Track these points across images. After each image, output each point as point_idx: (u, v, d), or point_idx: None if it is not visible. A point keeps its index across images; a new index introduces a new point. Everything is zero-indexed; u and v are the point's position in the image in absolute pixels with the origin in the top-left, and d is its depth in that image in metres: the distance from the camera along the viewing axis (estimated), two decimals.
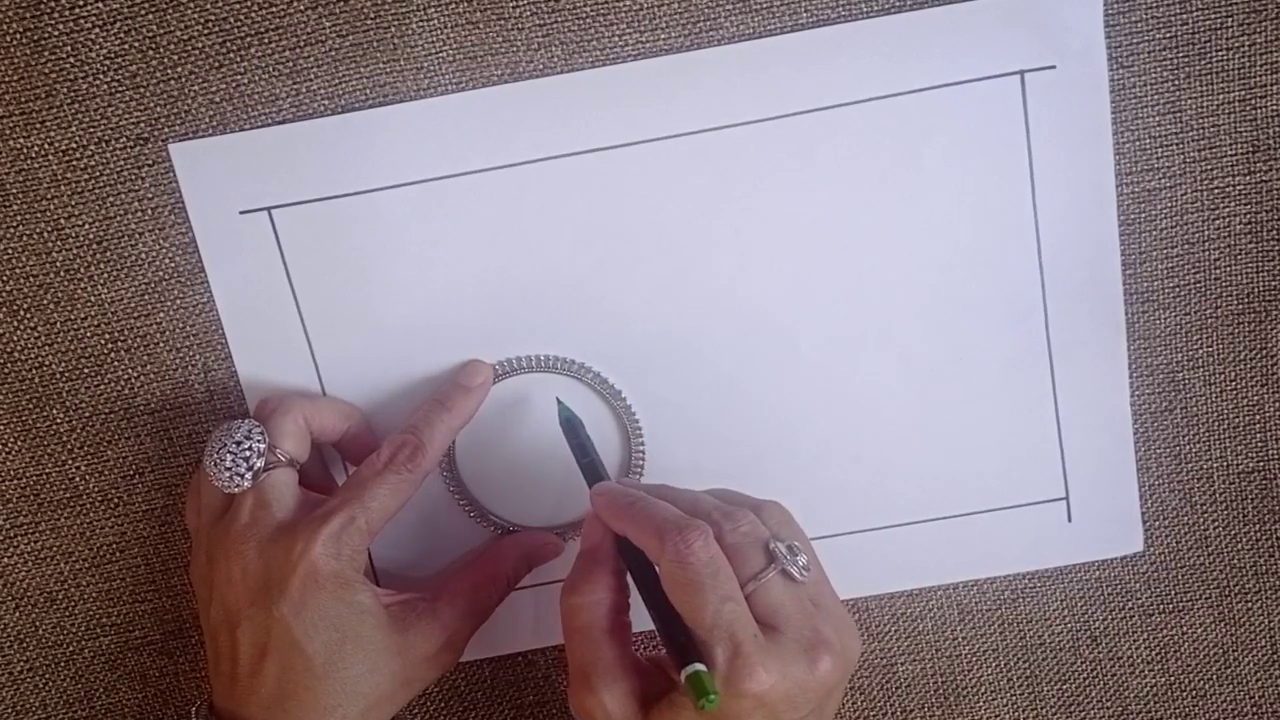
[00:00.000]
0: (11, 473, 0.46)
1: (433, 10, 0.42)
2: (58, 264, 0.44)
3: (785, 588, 0.36)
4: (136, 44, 0.42)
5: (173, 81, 0.43)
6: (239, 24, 0.42)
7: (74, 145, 0.43)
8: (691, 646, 0.36)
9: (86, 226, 0.44)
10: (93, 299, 0.45)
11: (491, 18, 0.42)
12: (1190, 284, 0.45)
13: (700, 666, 0.35)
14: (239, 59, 0.42)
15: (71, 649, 0.48)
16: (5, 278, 0.44)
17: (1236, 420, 0.47)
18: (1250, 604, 0.49)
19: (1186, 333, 0.46)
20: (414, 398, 0.45)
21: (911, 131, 0.43)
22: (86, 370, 0.45)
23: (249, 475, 0.41)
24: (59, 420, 0.46)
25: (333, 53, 0.42)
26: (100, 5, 0.42)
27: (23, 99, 0.43)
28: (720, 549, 0.36)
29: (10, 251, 0.44)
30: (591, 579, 0.39)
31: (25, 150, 0.43)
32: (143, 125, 0.43)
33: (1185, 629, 0.49)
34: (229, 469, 0.41)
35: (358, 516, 0.40)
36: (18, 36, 0.42)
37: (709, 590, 0.35)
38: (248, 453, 0.41)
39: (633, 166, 0.43)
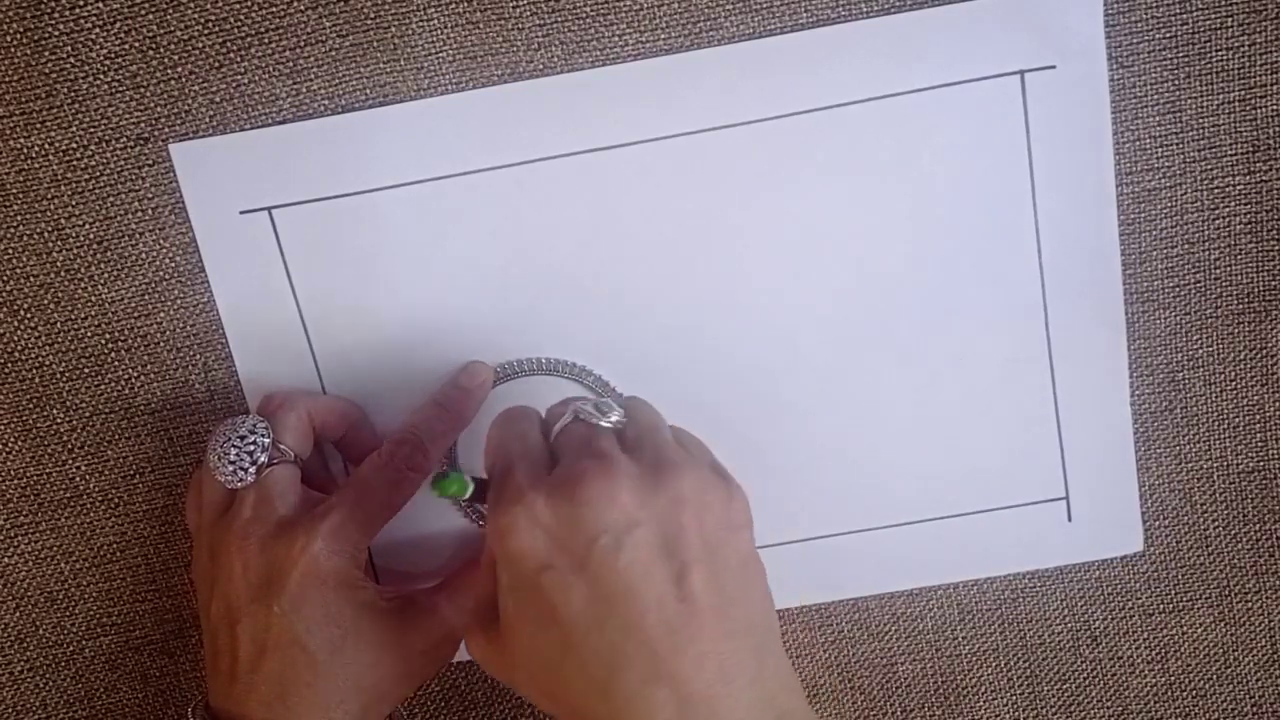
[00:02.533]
0: (11, 473, 0.46)
1: (433, 10, 0.42)
2: (58, 264, 0.44)
3: (579, 427, 0.37)
4: (136, 44, 0.42)
5: (173, 81, 0.43)
6: (239, 24, 0.42)
7: (74, 145, 0.43)
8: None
9: (87, 226, 0.44)
10: (93, 299, 0.45)
11: (491, 18, 0.42)
12: (1190, 284, 0.45)
13: (456, 472, 0.37)
14: (239, 59, 0.42)
15: (72, 649, 0.48)
16: (5, 278, 0.44)
17: (1236, 420, 0.47)
18: (1250, 604, 0.49)
19: (1186, 333, 0.46)
20: (414, 398, 0.45)
21: (911, 131, 0.43)
22: (87, 370, 0.45)
23: (252, 470, 0.41)
24: (59, 420, 0.46)
25: (333, 53, 0.42)
26: (100, 5, 0.42)
27: (23, 99, 0.43)
28: (526, 407, 0.39)
29: (10, 251, 0.44)
30: None
31: (25, 150, 0.43)
32: (143, 125, 0.43)
33: (1185, 629, 0.49)
34: (233, 463, 0.41)
35: (359, 514, 0.41)
36: (18, 36, 0.42)
37: (504, 426, 0.38)
38: (252, 447, 0.41)
39: (633, 166, 0.43)
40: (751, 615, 0.34)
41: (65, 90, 0.43)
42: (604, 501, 0.33)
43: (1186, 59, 0.43)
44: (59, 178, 0.43)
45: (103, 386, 0.46)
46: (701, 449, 0.38)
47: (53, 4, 0.42)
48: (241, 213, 0.44)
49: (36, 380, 0.45)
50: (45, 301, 0.45)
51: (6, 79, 0.43)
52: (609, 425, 0.37)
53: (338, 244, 0.44)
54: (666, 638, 0.32)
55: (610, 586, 0.33)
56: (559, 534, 0.33)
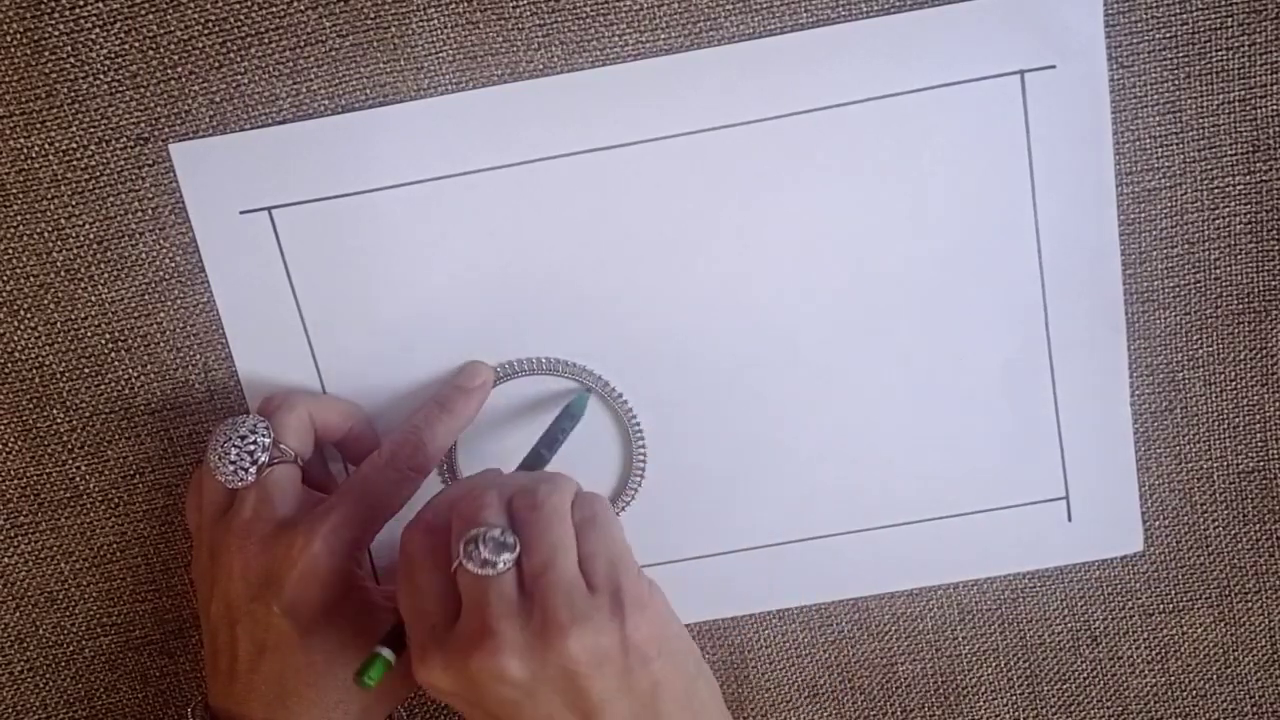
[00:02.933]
0: (11, 473, 0.46)
1: (433, 10, 0.42)
2: (58, 264, 0.44)
3: (469, 579, 0.35)
4: (136, 44, 0.42)
5: (173, 81, 0.43)
6: (239, 24, 0.42)
7: (74, 145, 0.43)
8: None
9: (86, 226, 0.44)
10: (93, 299, 0.45)
11: (491, 18, 0.42)
12: (1190, 284, 0.45)
13: (381, 651, 0.38)
14: (239, 59, 0.42)
15: (72, 649, 0.48)
16: (5, 278, 0.44)
17: (1236, 420, 0.47)
18: (1250, 604, 0.49)
19: (1186, 333, 0.46)
20: (414, 398, 0.45)
21: (911, 131, 0.43)
22: (86, 370, 0.45)
23: (253, 470, 0.41)
24: (59, 420, 0.46)
25: (333, 53, 0.42)
26: (100, 5, 0.42)
27: (23, 99, 0.43)
28: (433, 543, 0.37)
29: (10, 251, 0.44)
30: None
31: (25, 150, 0.43)
32: (143, 125, 0.43)
33: (1185, 629, 0.49)
34: (233, 463, 0.41)
35: (359, 514, 0.41)
36: (18, 36, 0.42)
37: (404, 584, 0.37)
38: (252, 447, 0.41)
39: (633, 166, 0.43)
40: None
41: (65, 90, 0.43)
42: (493, 677, 0.34)
43: (1186, 59, 0.43)
44: (59, 178, 0.43)
45: (103, 386, 0.46)
46: (604, 536, 0.37)
47: (53, 4, 0.42)
48: (241, 213, 0.44)
49: (36, 380, 0.45)
50: (45, 301, 0.45)
51: (6, 79, 0.43)
52: (500, 569, 0.35)
53: (338, 244, 0.44)
54: None
55: None
56: (464, 693, 0.35)
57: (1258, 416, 0.47)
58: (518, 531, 0.36)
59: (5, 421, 0.46)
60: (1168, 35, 0.43)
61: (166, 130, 0.43)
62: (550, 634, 0.34)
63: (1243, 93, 0.43)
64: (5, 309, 0.45)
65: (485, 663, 0.34)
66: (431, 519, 0.38)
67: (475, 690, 0.35)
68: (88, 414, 0.46)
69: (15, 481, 0.46)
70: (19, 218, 0.44)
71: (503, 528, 0.36)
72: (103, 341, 0.45)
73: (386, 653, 0.38)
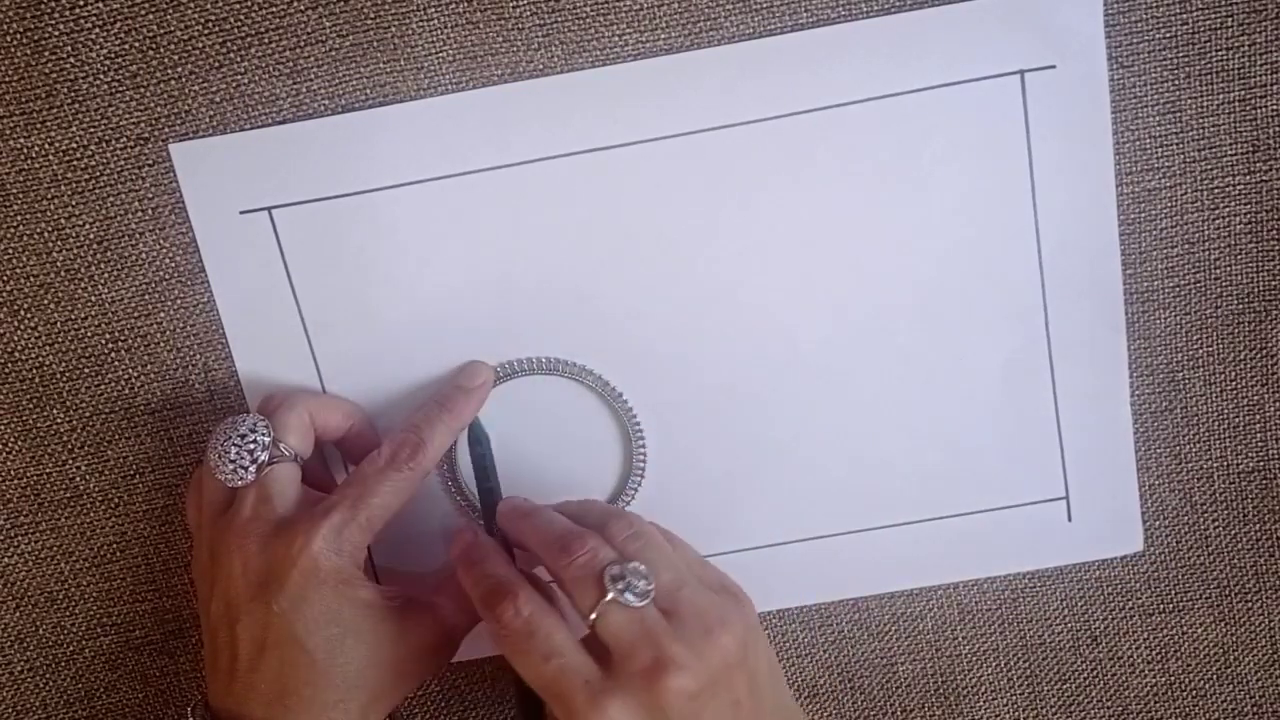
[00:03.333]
0: (11, 473, 0.46)
1: (433, 10, 0.42)
2: (58, 264, 0.44)
3: (622, 615, 0.36)
4: (136, 44, 0.42)
5: (173, 81, 0.43)
6: (239, 24, 0.42)
7: (74, 145, 0.43)
8: (533, 703, 0.40)
9: (86, 226, 0.44)
10: (93, 299, 0.45)
11: (491, 18, 0.42)
12: (1190, 284, 0.45)
13: None
14: (239, 59, 0.42)
15: (71, 649, 0.48)
16: (5, 278, 0.44)
17: (1236, 420, 0.47)
18: (1250, 604, 0.49)
19: (1186, 333, 0.46)
20: (414, 398, 0.45)
21: (911, 131, 0.43)
22: (86, 370, 0.45)
23: (252, 469, 0.41)
24: (59, 420, 0.46)
25: (333, 53, 0.42)
26: (100, 5, 0.42)
27: (23, 99, 0.43)
28: (540, 601, 0.38)
29: (10, 251, 0.44)
30: None
31: (25, 150, 0.43)
32: (143, 125, 0.43)
33: (1185, 629, 0.49)
34: (233, 462, 0.41)
35: (359, 513, 0.41)
36: (18, 36, 0.42)
37: (527, 654, 0.37)
38: (252, 446, 0.41)
39: (633, 166, 0.43)
40: (778, 694, 0.40)
41: (65, 90, 0.43)
42: (684, 698, 0.35)
43: (1186, 59, 0.43)
44: (59, 178, 0.43)
45: (103, 386, 0.46)
46: (686, 545, 0.42)
47: (53, 4, 0.42)
48: (241, 213, 0.44)
49: (36, 380, 0.45)
50: (45, 301, 0.45)
51: (6, 79, 0.43)
52: (647, 600, 0.37)
53: (338, 244, 0.44)
54: None
55: None
56: None
57: (1258, 416, 0.47)
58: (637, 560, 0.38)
59: (5, 421, 0.46)
60: (1168, 35, 0.43)
61: (166, 130, 0.43)
62: (710, 639, 0.37)
63: (1243, 93, 0.43)
64: (5, 309, 0.45)
65: (673, 685, 0.35)
66: (507, 583, 0.39)
67: (663, 717, 0.35)
68: (88, 414, 0.46)
69: (15, 481, 0.46)
70: (19, 218, 0.44)
71: (628, 560, 0.38)
72: (103, 341, 0.45)
73: None
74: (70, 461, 0.46)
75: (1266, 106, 0.43)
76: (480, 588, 0.39)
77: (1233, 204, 0.44)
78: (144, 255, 0.44)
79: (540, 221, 0.44)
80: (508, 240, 0.44)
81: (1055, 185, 0.44)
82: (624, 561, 0.37)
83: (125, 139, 0.43)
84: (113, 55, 0.42)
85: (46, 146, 0.43)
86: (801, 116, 0.43)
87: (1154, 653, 0.49)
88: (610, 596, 0.36)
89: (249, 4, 0.42)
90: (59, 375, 0.45)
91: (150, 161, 0.43)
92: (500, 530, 0.42)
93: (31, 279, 0.44)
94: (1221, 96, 0.43)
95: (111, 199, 0.44)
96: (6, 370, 0.45)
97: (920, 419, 0.46)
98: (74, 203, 0.44)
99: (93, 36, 0.42)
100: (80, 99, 0.43)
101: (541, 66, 0.43)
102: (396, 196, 0.43)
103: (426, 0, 0.42)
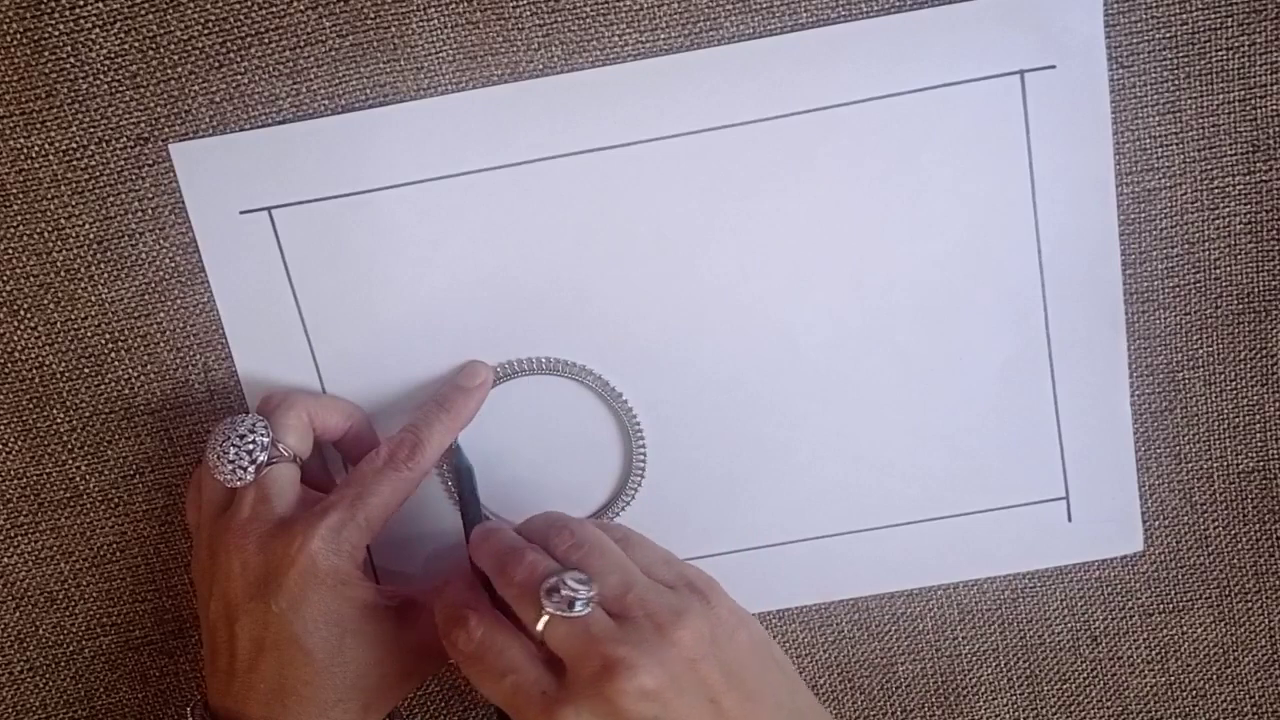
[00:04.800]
0: (11, 473, 0.46)
1: (433, 10, 0.42)
2: (58, 264, 0.44)
3: (564, 626, 0.36)
4: (136, 44, 0.42)
5: (173, 81, 0.43)
6: (239, 24, 0.42)
7: (74, 145, 0.43)
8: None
9: (86, 226, 0.44)
10: (93, 299, 0.45)
11: (491, 18, 0.42)
12: (1190, 284, 0.45)
13: None
14: (239, 59, 0.42)
15: (71, 649, 0.48)
16: (5, 278, 0.44)
17: (1236, 420, 0.47)
18: (1250, 604, 0.49)
19: (1186, 333, 0.46)
20: (414, 398, 0.45)
21: (911, 131, 0.43)
22: (86, 370, 0.45)
23: (251, 469, 0.41)
24: (59, 420, 0.46)
25: (333, 53, 0.42)
26: (100, 5, 0.42)
27: (23, 99, 0.43)
28: (493, 622, 0.38)
29: (10, 251, 0.44)
30: None
31: (25, 150, 0.43)
32: (143, 125, 0.43)
33: (1185, 629, 0.49)
34: (232, 462, 0.41)
35: (357, 513, 0.41)
36: (18, 36, 0.42)
37: (483, 674, 0.37)
38: (251, 446, 0.41)
39: (633, 166, 0.43)
40: (777, 693, 0.38)
41: (65, 90, 0.43)
42: (637, 698, 0.35)
43: (1186, 59, 0.43)
44: (59, 178, 0.43)
45: (103, 386, 0.46)
46: (646, 545, 0.40)
47: (53, 4, 0.42)
48: (241, 213, 0.44)
49: (36, 380, 0.45)
50: (45, 301, 0.45)
51: (6, 79, 0.43)
52: (590, 606, 0.36)
53: (338, 244, 0.44)
54: None
55: None
56: None
57: (1258, 416, 0.47)
58: (579, 570, 0.37)
59: (5, 421, 0.46)
60: (1168, 35, 0.43)
61: (166, 130, 0.43)
62: (664, 636, 0.36)
63: (1243, 93, 0.43)
64: (5, 309, 0.45)
65: (625, 687, 0.35)
66: (459, 609, 0.38)
67: (614, 715, 0.35)
68: (88, 414, 0.46)
69: (15, 481, 0.46)
70: (19, 218, 0.44)
71: (565, 570, 0.37)
72: (103, 341, 0.45)
73: None
74: (70, 461, 0.46)
75: (1266, 106, 0.43)
76: (439, 616, 0.39)
77: (1233, 204, 0.44)
78: (144, 255, 0.44)
79: (540, 221, 0.44)
80: (507, 240, 0.44)
81: (1055, 185, 0.44)
82: (561, 572, 0.37)
83: (125, 139, 0.43)
84: (113, 55, 0.42)
85: (46, 146, 0.43)
86: (801, 116, 0.43)
87: (1154, 653, 0.49)
88: (549, 609, 0.36)
89: (249, 4, 0.42)
90: (59, 375, 0.45)
91: (150, 161, 0.43)
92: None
93: (31, 279, 0.44)
94: (1221, 96, 0.43)
95: (111, 199, 0.44)
96: (6, 370, 0.45)
97: (920, 419, 0.46)
98: (74, 203, 0.44)
99: (93, 36, 0.42)
100: (80, 99, 0.43)
101: (541, 66, 0.43)
102: (396, 196, 0.43)
103: (426, 0, 0.42)
